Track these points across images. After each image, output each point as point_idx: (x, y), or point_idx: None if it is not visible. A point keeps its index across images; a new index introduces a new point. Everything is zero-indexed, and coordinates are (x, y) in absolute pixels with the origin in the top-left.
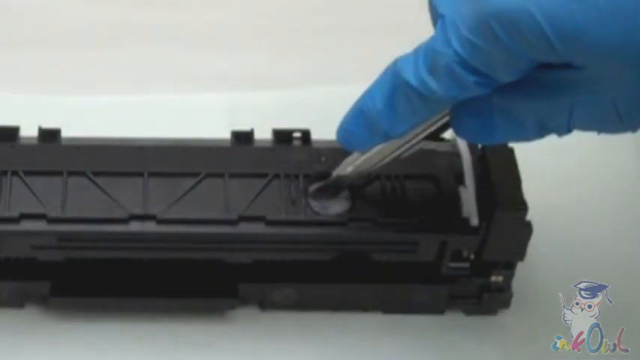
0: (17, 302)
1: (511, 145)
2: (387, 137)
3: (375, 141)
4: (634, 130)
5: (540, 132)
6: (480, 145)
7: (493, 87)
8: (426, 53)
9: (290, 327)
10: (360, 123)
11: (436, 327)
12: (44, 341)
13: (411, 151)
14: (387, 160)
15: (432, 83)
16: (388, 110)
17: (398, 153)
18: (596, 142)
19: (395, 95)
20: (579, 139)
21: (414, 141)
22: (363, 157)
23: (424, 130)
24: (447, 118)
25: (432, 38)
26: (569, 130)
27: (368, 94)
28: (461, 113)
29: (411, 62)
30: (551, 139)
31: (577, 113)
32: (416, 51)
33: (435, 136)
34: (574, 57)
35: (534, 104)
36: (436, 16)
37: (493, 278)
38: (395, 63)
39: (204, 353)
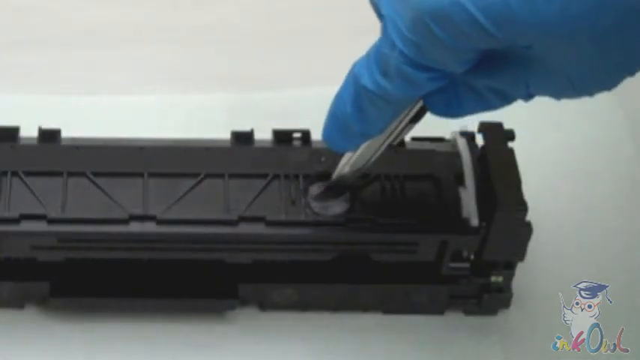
0: (17, 302)
1: (511, 145)
2: (365, 138)
3: (355, 142)
4: (590, 95)
5: (503, 102)
6: (480, 145)
7: (449, 78)
8: (376, 56)
9: (290, 327)
10: (337, 127)
11: (436, 327)
12: (44, 341)
13: (400, 137)
14: (379, 152)
15: (388, 86)
16: (357, 113)
17: (387, 143)
18: (597, 142)
19: (359, 99)
20: (580, 138)
21: (398, 129)
22: (356, 155)
23: (403, 118)
24: (421, 102)
25: (379, 39)
26: (530, 97)
27: (337, 99)
28: (430, 92)
29: (364, 66)
30: (552, 139)
31: (533, 85)
32: (368, 54)
33: (417, 118)
34: (515, 40)
35: (492, 81)
36: (379, 16)
37: (493, 278)
38: (353, 67)
39: (204, 353)
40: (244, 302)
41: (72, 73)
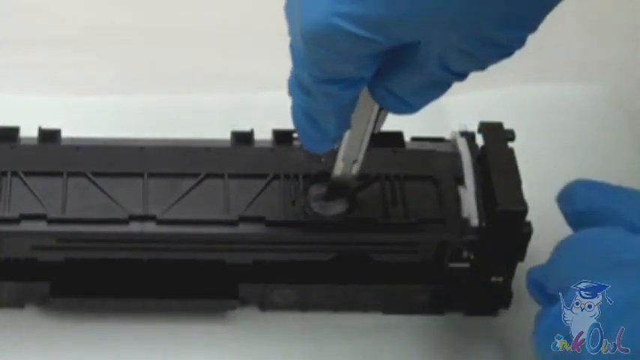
0: (17, 302)
1: (511, 145)
2: (335, 138)
3: (330, 142)
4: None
5: (426, 96)
6: (480, 146)
7: (363, 84)
8: (294, 79)
9: (290, 327)
10: (305, 136)
11: (436, 327)
12: (44, 341)
13: (379, 123)
14: (365, 142)
15: (314, 102)
16: (312, 124)
17: (370, 131)
18: (598, 142)
19: (305, 114)
20: (580, 139)
21: (372, 117)
22: (344, 148)
23: (370, 108)
24: None
25: (292, 59)
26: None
27: (292, 113)
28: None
29: (291, 88)
30: (552, 139)
31: (440, 64)
32: (290, 72)
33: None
34: (400, 40)
35: (403, 75)
36: None
37: (493, 278)
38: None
39: (204, 353)
40: (244, 302)
41: (72, 74)
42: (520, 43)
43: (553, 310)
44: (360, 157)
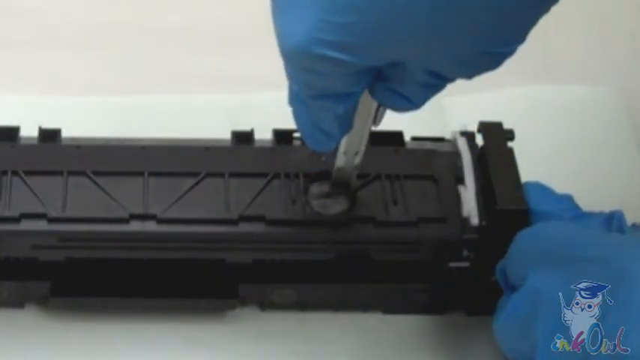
0: (17, 302)
1: (511, 144)
2: (339, 138)
3: (332, 142)
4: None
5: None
6: (479, 145)
7: (355, 97)
8: (292, 95)
9: (290, 327)
10: (311, 138)
11: (436, 327)
12: (44, 341)
13: (381, 118)
14: (366, 136)
15: (314, 115)
16: (315, 131)
17: (370, 125)
18: (598, 142)
19: (310, 123)
20: (581, 138)
21: (372, 110)
22: (344, 144)
23: (370, 104)
24: None
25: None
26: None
27: (294, 117)
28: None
29: (292, 101)
30: (552, 138)
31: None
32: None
33: None
34: (383, 61)
35: (404, 81)
36: None
37: (493, 278)
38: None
39: (204, 353)
40: (244, 302)
41: (72, 74)
42: (508, 55)
43: (512, 298)
44: (362, 148)
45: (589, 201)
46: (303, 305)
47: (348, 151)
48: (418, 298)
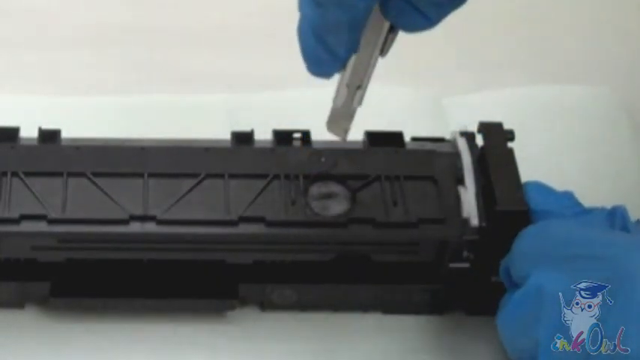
0: (17, 303)
1: (511, 145)
2: (344, 59)
3: (335, 64)
4: None
5: None
6: (479, 146)
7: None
8: None
9: (290, 327)
10: (311, 58)
11: (436, 327)
12: (44, 341)
13: (387, 46)
14: (372, 67)
15: (325, 14)
16: (322, 45)
17: (376, 56)
18: (598, 143)
19: (315, 32)
20: (580, 139)
21: (381, 39)
22: (348, 75)
23: (379, 30)
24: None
25: None
26: None
27: (300, 34)
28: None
29: (302, 4)
30: (552, 139)
31: None
32: None
33: (393, 28)
34: None
35: None
36: None
37: (493, 278)
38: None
39: (204, 354)
40: (244, 302)
41: (72, 74)
42: None
43: (514, 296)
44: (365, 83)
45: (589, 201)
46: (303, 306)
47: (351, 84)
48: (418, 298)
